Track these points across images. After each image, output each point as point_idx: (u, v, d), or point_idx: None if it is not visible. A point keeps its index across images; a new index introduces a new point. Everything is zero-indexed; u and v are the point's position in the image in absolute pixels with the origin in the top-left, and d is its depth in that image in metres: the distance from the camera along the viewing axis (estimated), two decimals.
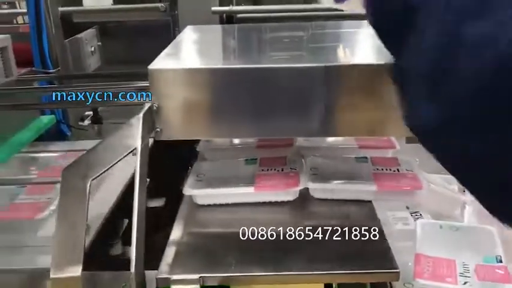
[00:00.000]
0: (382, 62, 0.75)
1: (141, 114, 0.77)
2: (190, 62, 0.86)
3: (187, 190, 0.93)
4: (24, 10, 2.43)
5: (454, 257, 0.81)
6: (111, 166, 0.76)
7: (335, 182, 0.93)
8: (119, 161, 0.76)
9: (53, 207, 0.92)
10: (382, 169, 0.98)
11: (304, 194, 0.95)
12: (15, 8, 2.59)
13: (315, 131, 0.83)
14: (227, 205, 0.94)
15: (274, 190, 0.92)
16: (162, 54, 0.87)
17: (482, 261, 0.80)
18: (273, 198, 0.93)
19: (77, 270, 0.69)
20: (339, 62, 0.79)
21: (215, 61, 0.90)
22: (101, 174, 0.76)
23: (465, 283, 0.75)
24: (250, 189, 0.92)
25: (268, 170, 0.99)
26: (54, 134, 1.33)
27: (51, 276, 0.69)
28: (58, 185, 0.97)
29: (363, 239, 0.83)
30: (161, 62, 0.82)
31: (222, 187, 0.93)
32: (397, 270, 0.74)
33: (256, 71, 0.78)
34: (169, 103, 0.79)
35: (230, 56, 0.95)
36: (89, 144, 0.79)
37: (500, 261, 0.79)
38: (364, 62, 0.77)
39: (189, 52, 0.95)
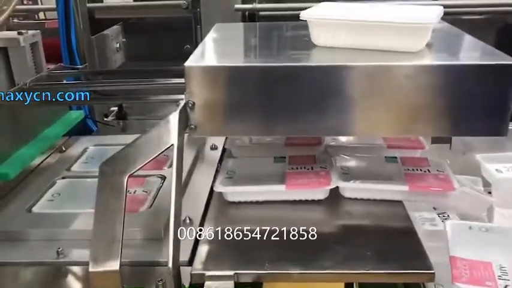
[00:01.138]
0: (410, 63, 0.76)
1: (177, 112, 0.77)
2: (226, 60, 0.86)
3: (219, 187, 0.94)
4: (46, 6, 2.48)
5: (489, 259, 0.80)
6: (148, 162, 0.77)
7: (367, 181, 0.93)
8: (155, 157, 0.77)
9: (151, 200, 0.96)
10: (413, 169, 0.97)
11: (334, 193, 0.95)
12: (37, 4, 2.63)
13: (345, 130, 0.83)
14: (256, 203, 0.94)
15: (306, 188, 0.92)
16: (197, 51, 0.87)
17: None
18: (305, 197, 0.93)
19: (115, 265, 0.70)
20: (372, 61, 0.78)
21: (250, 59, 0.90)
22: (138, 169, 0.76)
23: (506, 286, 0.74)
24: (282, 187, 0.92)
25: (298, 168, 0.99)
26: (80, 129, 1.34)
27: (90, 270, 0.70)
28: (149, 178, 1.04)
29: (395, 239, 0.84)
30: (197, 60, 0.82)
31: (254, 185, 0.94)
32: (433, 271, 0.74)
33: (291, 69, 0.78)
34: (204, 100, 0.79)
35: (264, 54, 0.95)
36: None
37: None
38: (393, 63, 0.77)
39: (222, 50, 0.95)
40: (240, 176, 0.98)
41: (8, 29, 1.24)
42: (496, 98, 0.76)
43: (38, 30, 1.19)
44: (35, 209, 0.96)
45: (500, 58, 0.77)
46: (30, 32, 1.14)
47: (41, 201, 0.98)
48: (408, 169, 0.97)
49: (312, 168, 0.98)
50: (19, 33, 1.10)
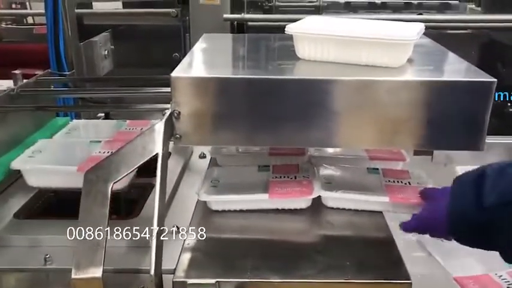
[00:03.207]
0: (390, 79, 0.78)
1: (163, 121, 0.79)
2: (212, 71, 0.88)
3: (203, 196, 0.95)
4: (35, 11, 2.47)
5: (483, 271, 0.82)
6: (133, 170, 0.78)
7: (349, 191, 0.95)
8: (140, 165, 0.78)
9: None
10: (394, 181, 0.99)
11: (316, 202, 0.96)
12: (26, 8, 2.63)
13: (327, 142, 0.85)
14: (240, 211, 0.95)
15: (289, 197, 0.94)
16: (183, 61, 0.89)
17: (505, 266, 0.80)
18: (287, 206, 0.95)
19: (98, 272, 0.70)
20: (354, 76, 0.80)
21: (236, 70, 0.92)
22: (123, 177, 0.77)
23: None
24: (265, 196, 0.94)
25: (281, 177, 1.01)
26: None
27: (72, 276, 0.71)
28: None
29: (374, 248, 0.86)
30: (183, 70, 0.84)
31: (237, 194, 0.95)
32: (410, 281, 0.76)
33: (275, 82, 0.80)
34: (189, 110, 0.81)
35: (249, 66, 0.97)
36: None
37: None
38: (374, 78, 0.79)
39: (209, 61, 0.97)
40: (224, 185, 1.00)
41: None
42: (473, 114, 0.78)
43: None
44: (14, 164, 0.96)
45: (478, 75, 0.80)
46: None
47: (22, 157, 0.99)
48: (389, 181, 0.99)
49: (295, 178, 1.00)
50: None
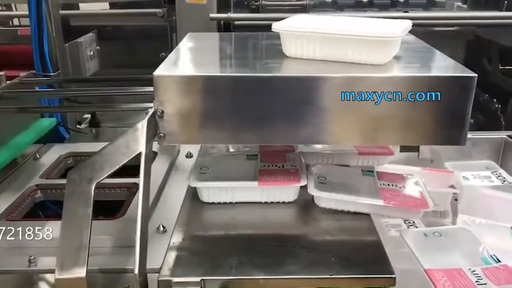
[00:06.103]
0: (378, 75, 0.78)
1: (145, 120, 0.78)
2: (195, 69, 0.88)
3: (194, 182, 0.96)
4: (20, 12, 2.46)
5: (458, 265, 0.82)
6: (116, 169, 0.77)
7: (342, 193, 0.94)
8: (123, 165, 0.78)
9: None
10: (389, 184, 0.99)
11: (306, 200, 0.97)
12: (11, 10, 2.61)
13: (314, 139, 0.85)
14: (226, 207, 0.96)
15: (277, 185, 0.95)
16: (167, 60, 0.88)
17: (482, 263, 0.82)
18: (276, 193, 0.96)
19: (82, 272, 0.70)
20: (340, 73, 0.81)
21: (219, 69, 0.91)
22: (105, 177, 0.77)
23: None
24: (254, 184, 0.95)
25: (269, 166, 1.02)
26: (52, 137, 1.34)
27: (56, 276, 0.70)
28: None
29: (359, 244, 0.86)
30: (166, 69, 0.83)
31: (226, 181, 0.96)
32: (394, 276, 0.76)
33: (258, 80, 0.80)
34: (173, 109, 0.80)
35: (233, 64, 0.96)
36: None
37: (499, 260, 0.82)
38: (362, 74, 0.79)
39: (192, 59, 0.97)
40: (213, 172, 1.00)
41: None
42: (454, 109, 0.79)
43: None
44: None
45: (459, 70, 0.80)
46: None
47: None
48: (384, 184, 0.99)
49: (283, 166, 1.01)
50: None
